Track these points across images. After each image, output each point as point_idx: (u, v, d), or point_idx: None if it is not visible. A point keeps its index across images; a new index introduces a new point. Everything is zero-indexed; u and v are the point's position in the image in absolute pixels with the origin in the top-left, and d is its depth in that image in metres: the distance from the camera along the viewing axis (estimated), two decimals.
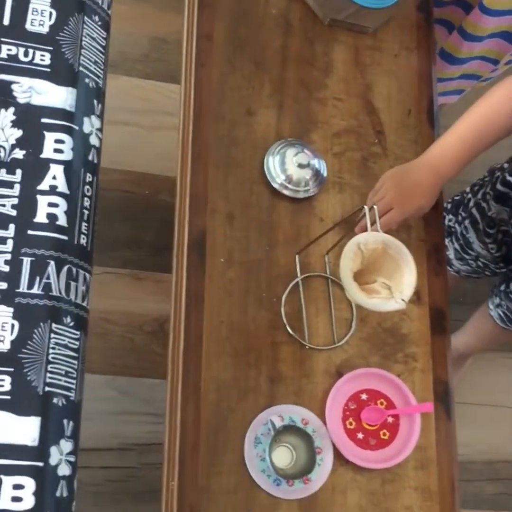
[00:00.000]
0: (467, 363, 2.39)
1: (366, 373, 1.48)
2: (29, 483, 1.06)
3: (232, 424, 1.40)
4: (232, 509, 1.36)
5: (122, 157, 2.36)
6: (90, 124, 1.25)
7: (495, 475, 2.41)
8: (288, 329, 1.47)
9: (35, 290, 1.14)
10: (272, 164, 1.55)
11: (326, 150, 1.61)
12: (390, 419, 1.47)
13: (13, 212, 1.18)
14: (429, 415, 1.49)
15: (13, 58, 1.27)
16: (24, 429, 1.08)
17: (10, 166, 1.18)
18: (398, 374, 1.50)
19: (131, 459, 2.13)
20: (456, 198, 1.97)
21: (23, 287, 1.13)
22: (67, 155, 1.19)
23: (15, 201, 1.18)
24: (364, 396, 1.48)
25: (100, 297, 2.21)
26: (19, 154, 1.21)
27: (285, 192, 1.55)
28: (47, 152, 1.21)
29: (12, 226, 1.17)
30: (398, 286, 1.30)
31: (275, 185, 1.54)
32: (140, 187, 2.36)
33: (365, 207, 1.32)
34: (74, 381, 1.13)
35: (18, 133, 1.20)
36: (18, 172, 1.19)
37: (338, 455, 1.43)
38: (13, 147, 1.19)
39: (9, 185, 1.17)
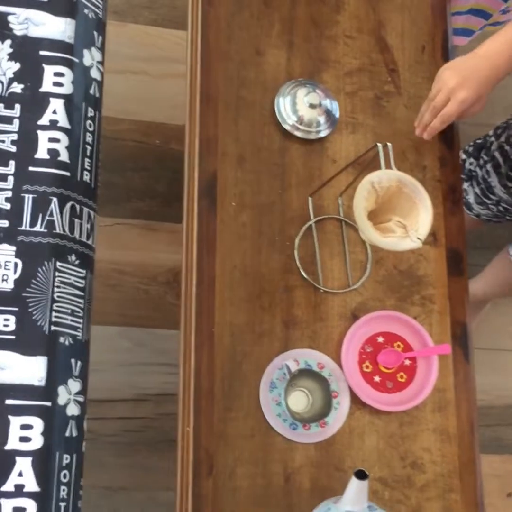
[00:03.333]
0: (485, 308, 2.36)
1: (382, 315, 1.46)
2: (37, 423, 1.05)
3: (247, 369, 1.38)
4: (248, 453, 1.35)
5: (131, 107, 2.33)
6: (90, 57, 1.21)
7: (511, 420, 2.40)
8: (302, 272, 1.45)
9: (38, 227, 1.11)
10: (283, 105, 1.51)
11: (338, 89, 1.57)
12: (407, 362, 1.45)
13: (13, 148, 1.15)
14: (447, 358, 1.47)
15: None
16: (30, 369, 1.06)
17: (9, 101, 1.15)
18: (415, 317, 1.47)
19: (147, 410, 2.12)
20: (478, 141, 1.93)
21: (25, 225, 1.11)
22: (67, 89, 1.15)
23: (15, 136, 1.14)
24: (380, 339, 1.45)
25: (112, 248, 2.19)
26: (17, 88, 1.17)
27: (297, 133, 1.51)
28: (47, 85, 1.17)
29: (12, 163, 1.14)
30: (413, 225, 1.27)
31: (286, 127, 1.51)
32: (150, 136, 2.32)
33: (379, 144, 1.28)
34: (80, 320, 1.11)
35: (16, 66, 1.16)
36: (17, 107, 1.15)
37: (354, 399, 1.41)
38: (11, 81, 1.16)
39: (8, 120, 1.14)
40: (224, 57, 1.52)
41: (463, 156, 1.94)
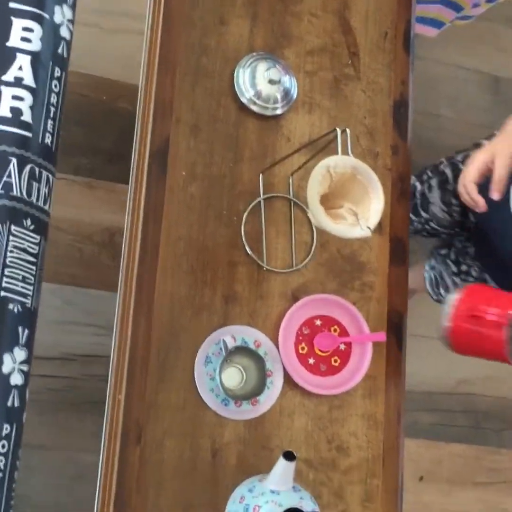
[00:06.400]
0: (413, 297, 2.40)
1: (322, 299, 1.46)
2: None
3: (184, 341, 1.37)
4: (178, 426, 1.35)
5: (79, 59, 2.24)
6: (61, 14, 1.16)
7: (433, 405, 2.45)
8: (247, 249, 1.44)
9: None
10: (242, 77, 1.49)
11: (298, 67, 1.55)
12: (342, 346, 1.46)
13: None
14: (381, 345, 1.49)
15: None
16: None
17: None
18: (354, 302, 1.48)
19: (73, 370, 2.10)
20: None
21: None
22: (36, 45, 1.10)
23: None
24: (318, 322, 1.46)
25: None
26: None
27: (253, 107, 1.49)
28: (14, 40, 1.11)
29: None
30: (364, 213, 1.27)
31: (243, 100, 1.49)
32: (97, 91, 2.27)
33: (337, 129, 1.28)
34: (31, 288, 1.08)
35: None
36: None
37: (288, 379, 1.41)
38: None
39: None
40: (186, 23, 1.49)
41: None
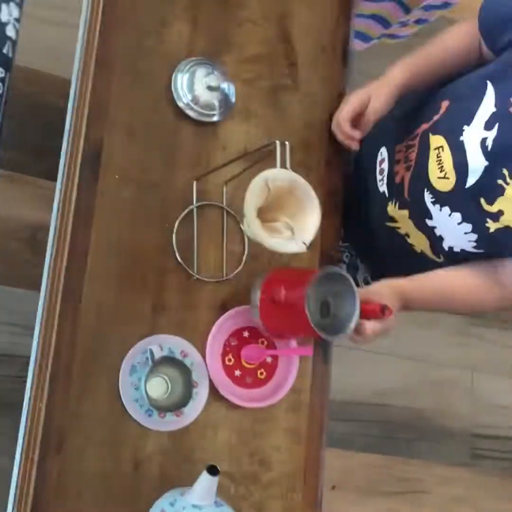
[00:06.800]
0: None
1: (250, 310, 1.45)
2: None
3: (110, 350, 1.34)
4: (100, 436, 1.31)
5: None
6: (7, 12, 1.11)
7: (348, 415, 2.47)
8: (178, 257, 1.41)
9: None
10: (180, 82, 1.46)
11: (237, 75, 1.53)
12: (269, 359, 1.46)
13: None
14: (307, 359, 1.49)
15: None
16: None
17: None
18: None
19: None
20: None
21: None
22: None
23: None
24: (246, 334, 1.45)
25: None
26: None
27: (190, 113, 1.47)
28: None
29: None
30: (300, 228, 1.27)
31: (180, 104, 1.46)
32: (23, 83, 2.19)
33: (277, 142, 1.27)
34: None
35: None
36: None
37: (213, 391, 1.40)
38: None
39: None
40: (125, 22, 1.45)
41: None
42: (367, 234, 1.64)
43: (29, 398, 1.32)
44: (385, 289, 1.40)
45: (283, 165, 1.26)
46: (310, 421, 1.47)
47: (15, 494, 1.27)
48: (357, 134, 1.50)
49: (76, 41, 1.50)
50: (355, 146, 1.53)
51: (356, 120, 1.51)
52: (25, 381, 1.39)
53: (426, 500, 2.55)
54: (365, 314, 1.29)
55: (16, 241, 2.11)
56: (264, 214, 1.28)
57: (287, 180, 1.26)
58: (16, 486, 1.29)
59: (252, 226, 1.22)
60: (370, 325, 1.31)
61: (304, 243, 1.25)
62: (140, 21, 1.46)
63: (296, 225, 1.27)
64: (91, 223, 1.36)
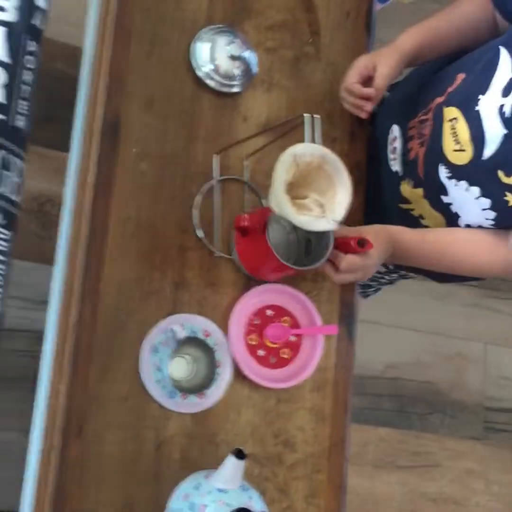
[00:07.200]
0: None
1: (274, 288, 1.41)
2: None
3: (131, 329, 1.30)
4: (121, 418, 1.28)
5: None
6: None
7: (361, 389, 2.44)
8: (198, 233, 1.37)
9: None
10: (201, 50, 1.41)
11: (259, 43, 1.48)
12: (292, 338, 1.42)
13: None
14: (330, 337, 1.45)
15: None
16: None
17: None
18: (306, 292, 1.43)
19: None
20: None
21: None
22: (11, 15, 0.96)
23: None
24: (269, 312, 1.41)
25: None
26: None
27: (210, 82, 1.41)
28: None
29: None
30: (330, 205, 1.22)
31: (200, 74, 1.40)
32: None
33: (306, 115, 1.22)
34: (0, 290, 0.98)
35: None
36: None
37: (236, 371, 1.36)
38: None
39: None
40: None
41: None
42: (378, 217, 1.59)
43: (48, 380, 1.28)
44: (377, 228, 1.36)
45: (313, 140, 1.21)
46: (335, 400, 1.44)
47: (35, 479, 1.24)
48: (371, 92, 1.41)
49: (85, 7, 1.44)
50: (364, 115, 1.46)
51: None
52: (33, 356, 1.34)
53: (438, 473, 2.53)
54: (343, 247, 1.26)
55: (23, 212, 2.05)
56: (293, 190, 1.23)
57: (317, 156, 1.20)
58: (36, 469, 1.25)
59: (282, 203, 1.17)
60: (348, 259, 1.28)
61: (335, 221, 1.20)
62: None
63: (325, 201, 1.22)
64: (111, 198, 1.31)
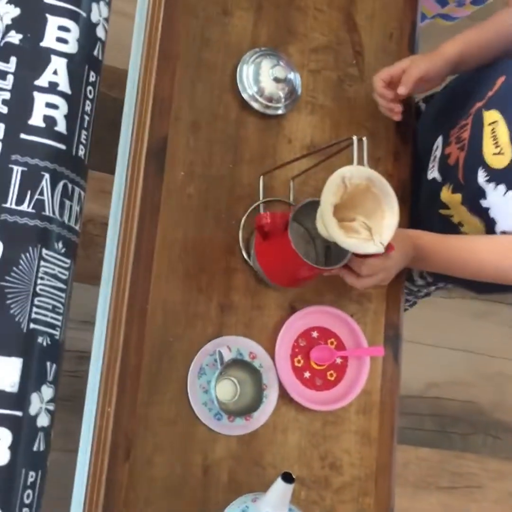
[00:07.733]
0: None
1: (319, 310, 1.40)
2: (6, 435, 0.90)
3: (177, 351, 1.30)
4: (169, 441, 1.28)
5: None
6: (98, 12, 1.04)
7: (402, 409, 2.42)
8: (244, 255, 1.37)
9: (25, 207, 0.94)
10: (246, 73, 1.41)
11: (303, 65, 1.48)
12: (338, 360, 1.41)
13: (4, 109, 0.95)
14: (376, 359, 1.44)
15: None
16: (3, 372, 0.90)
17: (3, 51, 0.94)
18: (351, 314, 1.43)
19: None
20: None
21: (11, 202, 0.93)
22: (72, 47, 0.97)
23: (7, 95, 0.94)
24: (315, 334, 1.40)
25: None
26: (15, 38, 0.97)
27: (254, 104, 1.42)
28: (49, 40, 0.97)
29: (1, 126, 0.96)
30: (377, 228, 1.21)
31: (245, 96, 1.41)
32: None
33: (354, 137, 1.21)
34: (60, 318, 0.98)
35: (15, 11, 0.95)
36: (13, 60, 0.94)
37: (282, 393, 1.35)
38: (7, 28, 0.95)
39: (1, 75, 0.94)
40: (188, 12, 1.40)
41: None
42: (415, 226, 1.58)
43: (95, 402, 1.29)
44: (398, 232, 1.35)
45: (361, 162, 1.20)
46: (381, 423, 1.43)
47: (84, 502, 1.24)
48: (403, 90, 1.42)
49: (129, 31, 1.46)
50: (397, 117, 1.47)
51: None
52: (75, 376, 1.34)
53: (480, 495, 2.50)
54: None
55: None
56: (339, 212, 1.23)
57: (364, 178, 1.20)
58: (85, 493, 1.25)
59: (329, 226, 1.17)
60: (368, 263, 1.28)
61: (382, 244, 1.20)
62: (203, 10, 1.42)
63: (372, 224, 1.21)
64: (157, 221, 1.31)
